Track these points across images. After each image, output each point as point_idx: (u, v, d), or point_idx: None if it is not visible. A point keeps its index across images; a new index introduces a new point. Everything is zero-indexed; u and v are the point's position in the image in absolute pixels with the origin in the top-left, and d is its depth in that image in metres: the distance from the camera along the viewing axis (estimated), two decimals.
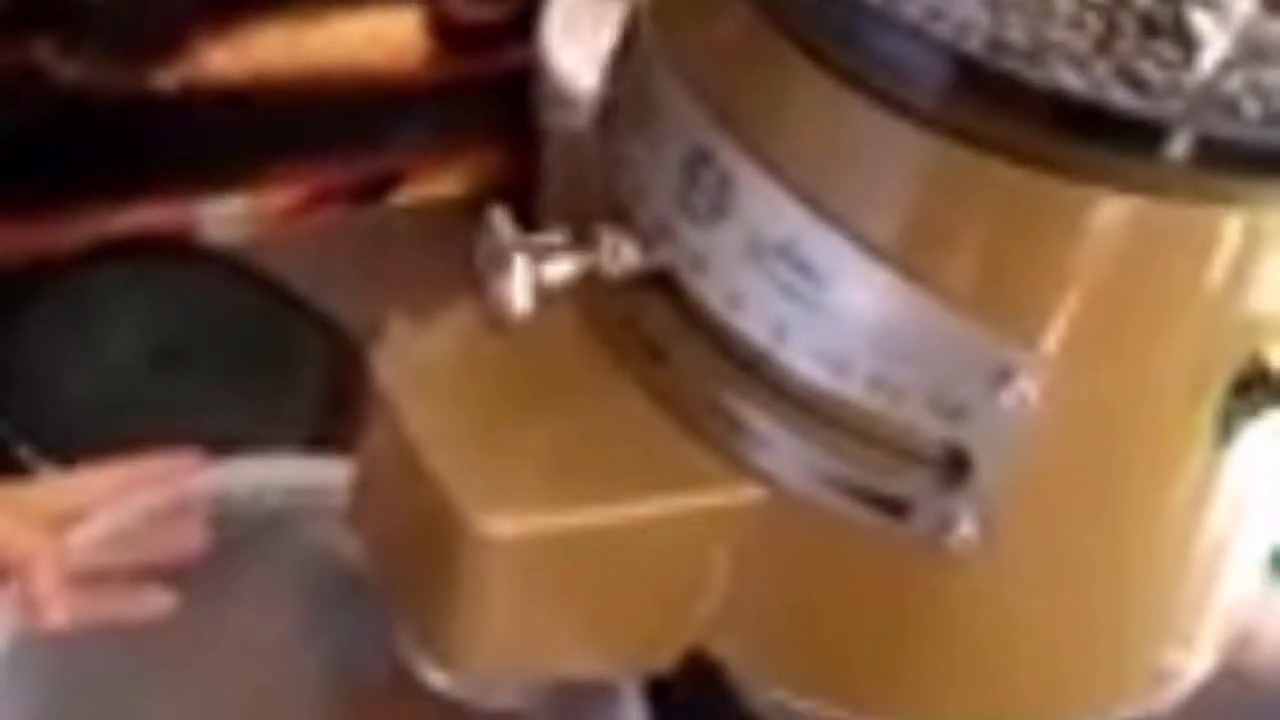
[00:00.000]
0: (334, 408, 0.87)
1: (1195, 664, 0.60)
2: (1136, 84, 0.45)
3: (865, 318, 0.50)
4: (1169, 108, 0.45)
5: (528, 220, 0.54)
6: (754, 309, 0.51)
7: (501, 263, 0.53)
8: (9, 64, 0.91)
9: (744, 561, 0.55)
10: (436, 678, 0.57)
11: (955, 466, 0.51)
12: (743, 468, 0.54)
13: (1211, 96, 0.45)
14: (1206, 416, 0.52)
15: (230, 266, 0.95)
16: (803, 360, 0.51)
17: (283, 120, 0.97)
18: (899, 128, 0.47)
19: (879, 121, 0.47)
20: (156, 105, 0.94)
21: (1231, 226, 0.48)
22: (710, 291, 0.52)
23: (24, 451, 0.85)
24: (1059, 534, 0.53)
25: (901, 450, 0.52)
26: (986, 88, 0.46)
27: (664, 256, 0.53)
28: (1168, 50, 0.46)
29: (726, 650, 0.57)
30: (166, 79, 0.94)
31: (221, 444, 0.74)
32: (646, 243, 0.53)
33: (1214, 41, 0.46)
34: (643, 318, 0.55)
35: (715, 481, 0.54)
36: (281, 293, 0.93)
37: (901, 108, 0.47)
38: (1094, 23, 0.47)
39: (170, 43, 0.94)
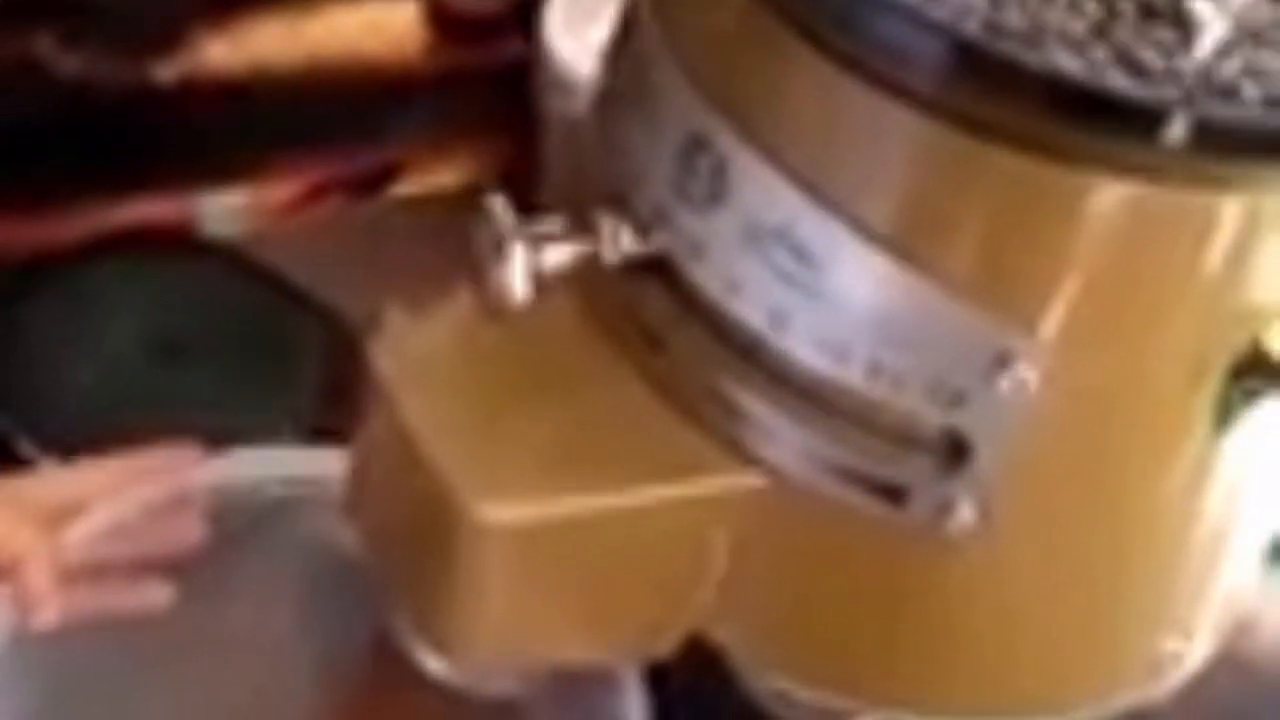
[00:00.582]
0: (333, 400, 0.87)
1: (1194, 651, 0.60)
2: (1134, 68, 0.45)
3: (863, 304, 0.50)
4: (1167, 92, 0.45)
5: (528, 211, 0.54)
6: (752, 295, 0.51)
7: (500, 250, 0.53)
8: (9, 57, 0.91)
9: (743, 549, 0.55)
10: (435, 665, 0.57)
11: (954, 453, 0.51)
12: (741, 455, 0.54)
13: (1210, 81, 0.45)
14: (1205, 402, 0.52)
15: (229, 259, 0.95)
16: (801, 347, 0.51)
17: (282, 112, 0.97)
18: (896, 112, 0.47)
19: (876, 106, 0.47)
20: (155, 98, 0.94)
21: (1230, 211, 0.48)
22: (708, 278, 0.52)
23: (23, 444, 0.85)
24: (1057, 520, 0.53)
25: (900, 436, 0.51)
26: (984, 72, 0.45)
27: (662, 243, 0.53)
28: (1166, 34, 0.46)
29: (726, 637, 0.57)
30: (165, 72, 0.94)
31: (220, 436, 0.74)
32: (644, 229, 0.53)
33: (1212, 25, 0.46)
34: (641, 305, 0.55)
35: (714, 469, 0.54)
36: (281, 285, 0.93)
37: (899, 92, 0.47)
38: (1092, 7, 0.46)
39: (169, 36, 0.94)
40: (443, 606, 0.55)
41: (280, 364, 0.90)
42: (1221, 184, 0.47)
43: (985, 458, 0.51)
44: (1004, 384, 0.49)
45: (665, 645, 0.58)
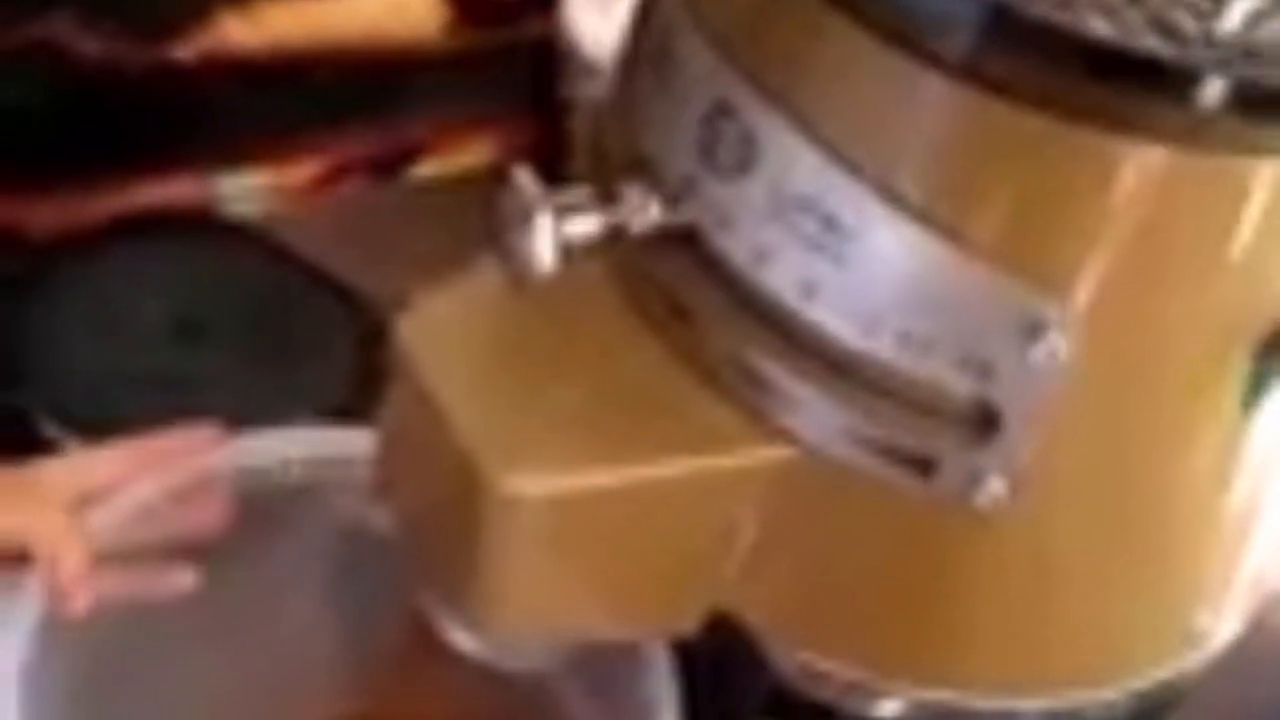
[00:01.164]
0: (356, 381, 0.87)
1: (1224, 627, 0.59)
2: (1168, 31, 0.45)
3: (893, 273, 0.49)
4: (1201, 55, 0.44)
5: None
6: (780, 265, 0.51)
7: (526, 220, 0.52)
8: (29, 39, 0.91)
9: (769, 522, 0.54)
10: (462, 639, 0.57)
11: (984, 423, 0.51)
12: (768, 427, 0.53)
13: (1244, 45, 0.45)
14: (1234, 376, 0.51)
15: (252, 240, 0.95)
16: (830, 317, 0.51)
17: (302, 93, 0.96)
18: (928, 78, 0.47)
19: (907, 72, 0.47)
20: (176, 79, 0.94)
21: (1263, 176, 0.47)
22: (736, 248, 0.52)
23: (45, 424, 0.85)
24: (1087, 492, 0.53)
25: (929, 408, 0.51)
26: (1016, 36, 0.45)
27: (688, 213, 0.53)
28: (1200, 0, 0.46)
29: (752, 613, 0.57)
30: (185, 52, 0.94)
31: (242, 418, 0.74)
32: (671, 200, 0.53)
33: None
34: (667, 276, 0.54)
35: (741, 441, 0.54)
36: (304, 266, 0.93)
37: (931, 58, 0.47)
38: None
39: (189, 16, 0.94)
40: (470, 580, 0.55)
41: (303, 345, 0.90)
42: (1255, 148, 0.47)
43: (1015, 429, 0.51)
44: (1035, 353, 0.49)
45: (691, 620, 0.57)
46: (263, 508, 0.72)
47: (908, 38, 0.47)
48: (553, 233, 0.52)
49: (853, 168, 0.49)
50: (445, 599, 0.57)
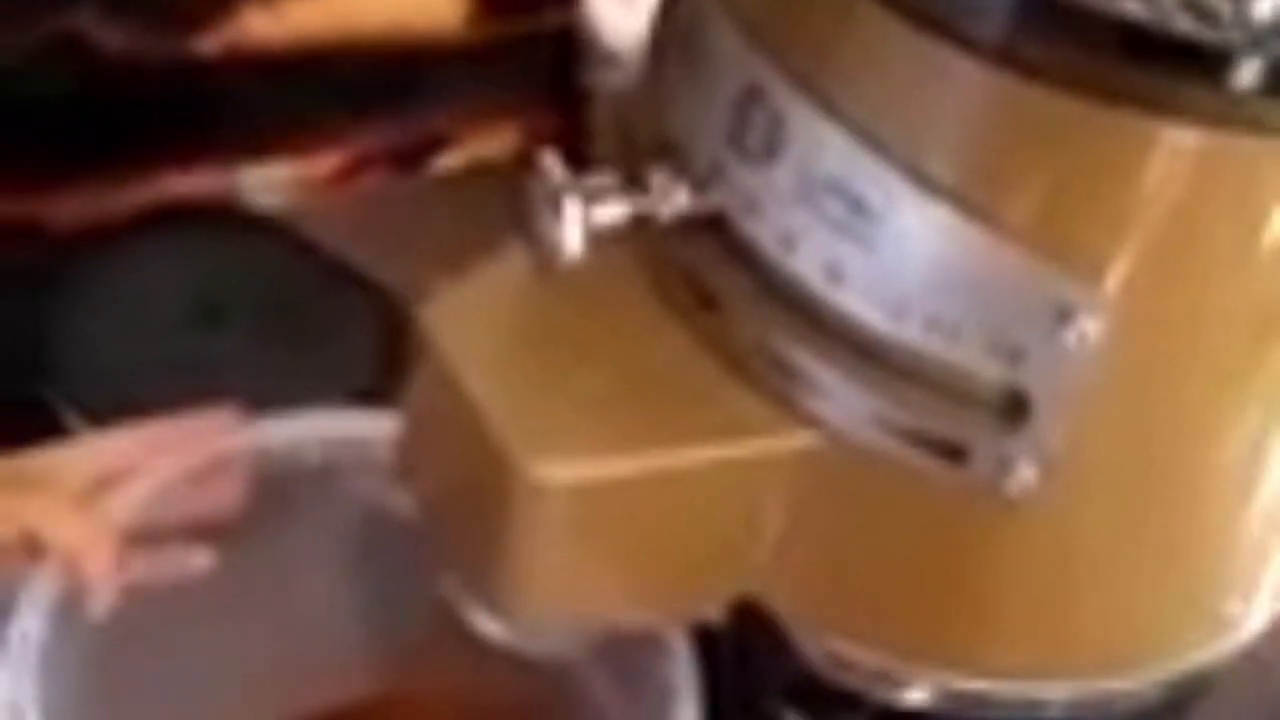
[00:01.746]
0: (377, 369, 0.87)
1: (1254, 615, 0.59)
2: (1201, 13, 0.44)
3: (922, 257, 0.49)
4: (1234, 37, 0.44)
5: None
6: (807, 249, 0.51)
7: (553, 206, 0.52)
8: (51, 32, 0.91)
9: (797, 509, 0.54)
10: (486, 624, 0.56)
11: (1014, 409, 0.50)
12: (796, 413, 0.53)
13: (1277, 26, 0.45)
14: (1269, 361, 0.51)
15: (274, 231, 0.95)
16: (857, 302, 0.51)
17: (324, 85, 0.96)
18: (960, 62, 0.47)
19: (939, 56, 0.47)
20: (198, 72, 0.94)
21: None
22: (763, 233, 0.52)
23: (67, 413, 0.85)
24: (1116, 478, 0.53)
25: (959, 393, 0.51)
26: (1049, 19, 0.45)
27: (716, 199, 0.53)
28: None
29: (778, 599, 0.56)
30: (208, 45, 0.94)
31: (263, 406, 0.74)
32: (698, 185, 0.53)
33: None
34: (694, 262, 0.54)
35: (767, 427, 0.53)
36: (326, 257, 0.93)
37: (963, 42, 0.46)
38: None
39: (211, 9, 0.94)
40: (496, 565, 0.55)
41: (324, 335, 0.90)
42: None
43: (1045, 415, 0.50)
44: (1066, 337, 0.48)
45: (716, 607, 0.57)
46: (281, 489, 0.72)
47: (940, 21, 0.47)
48: (580, 218, 0.52)
49: (883, 151, 0.48)
50: (469, 584, 0.57)
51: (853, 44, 0.49)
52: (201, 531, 0.71)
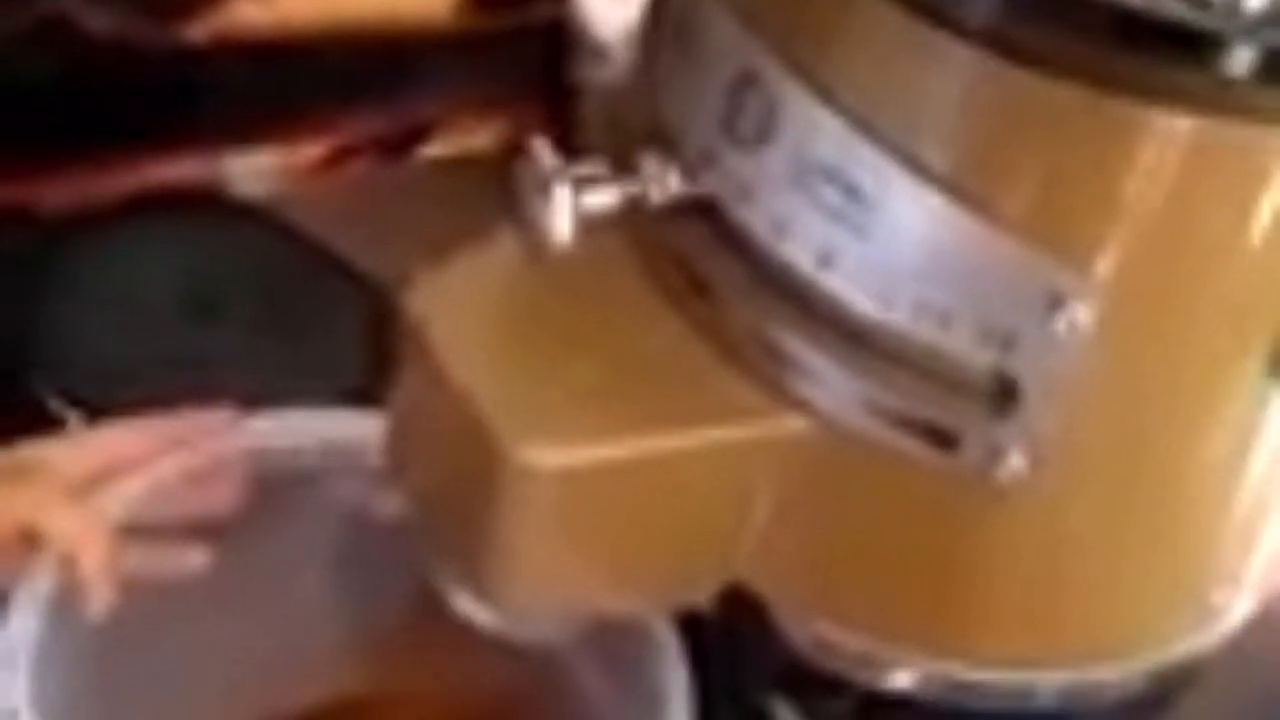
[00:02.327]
0: (366, 361, 0.87)
1: (1239, 605, 0.59)
2: (1194, 0, 0.45)
3: (914, 243, 0.49)
4: (1228, 23, 0.44)
5: None
6: (800, 235, 0.51)
7: (544, 192, 0.52)
8: (38, 16, 0.91)
9: (787, 494, 0.54)
10: (475, 612, 0.56)
11: (1004, 396, 0.50)
12: (786, 399, 0.53)
13: (1271, 12, 0.45)
14: (1258, 350, 0.51)
15: (263, 219, 0.95)
16: (849, 288, 0.51)
17: (312, 73, 0.96)
18: (953, 48, 0.47)
19: (933, 42, 0.47)
20: (186, 58, 0.94)
21: None
22: (755, 219, 0.52)
23: (55, 404, 0.85)
24: (1105, 466, 0.53)
25: (949, 380, 0.51)
26: (1042, 5, 0.45)
27: (708, 184, 0.52)
28: None
29: (767, 585, 0.57)
30: (196, 32, 0.94)
31: (253, 397, 0.74)
32: (690, 171, 0.53)
33: None
34: (685, 249, 0.54)
35: (758, 413, 0.53)
36: (315, 247, 0.93)
37: (956, 27, 0.46)
38: None
39: None
40: (485, 551, 0.55)
41: (312, 323, 0.89)
42: None
43: (1036, 402, 0.50)
44: (1057, 324, 0.48)
45: (704, 593, 0.57)
46: (272, 489, 0.72)
47: (933, 7, 0.46)
48: (571, 205, 0.52)
49: (876, 137, 0.48)
50: (459, 571, 0.56)
51: (847, 30, 0.49)
52: (194, 530, 0.71)
